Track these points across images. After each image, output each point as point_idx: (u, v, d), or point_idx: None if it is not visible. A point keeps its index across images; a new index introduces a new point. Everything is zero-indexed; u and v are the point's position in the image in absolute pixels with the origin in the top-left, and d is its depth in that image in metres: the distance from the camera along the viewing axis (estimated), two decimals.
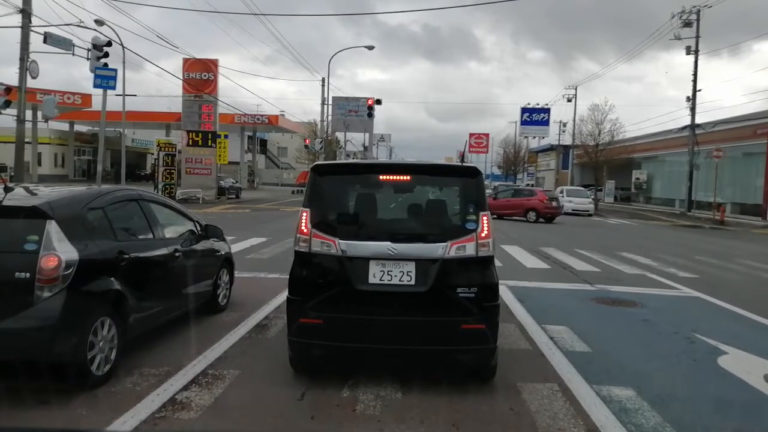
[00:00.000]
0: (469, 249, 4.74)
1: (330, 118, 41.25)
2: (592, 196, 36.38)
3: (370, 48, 37.12)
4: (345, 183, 5.30)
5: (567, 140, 63.45)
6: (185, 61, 33.55)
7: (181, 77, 33.15)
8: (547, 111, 74.90)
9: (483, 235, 4.78)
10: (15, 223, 4.50)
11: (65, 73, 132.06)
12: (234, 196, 37.23)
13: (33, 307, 4.23)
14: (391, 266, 4.69)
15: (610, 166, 45.30)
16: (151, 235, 5.76)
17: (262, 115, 49.72)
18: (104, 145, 28.01)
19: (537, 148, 78.16)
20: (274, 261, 11.18)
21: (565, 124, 66.98)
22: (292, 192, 47.59)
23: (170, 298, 5.92)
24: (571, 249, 14.95)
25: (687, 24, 37.31)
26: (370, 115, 33.63)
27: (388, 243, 4.70)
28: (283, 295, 7.91)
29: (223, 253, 7.38)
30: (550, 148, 72.71)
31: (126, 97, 28.56)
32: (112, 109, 33.92)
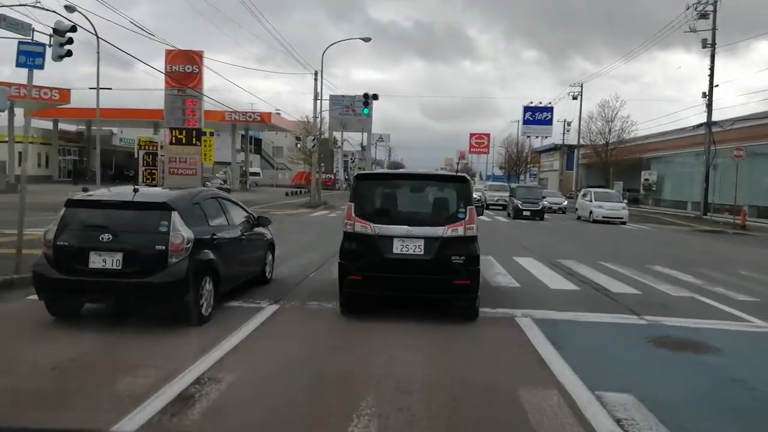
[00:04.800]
0: (460, 231, 6.77)
1: (325, 114, 39.05)
2: (626, 200, 33.14)
3: (366, 40, 34.91)
4: (377, 186, 7.61)
5: (571, 140, 61.48)
6: (168, 52, 31.43)
7: (162, 70, 30.98)
8: (550, 110, 72.78)
9: (469, 221, 6.81)
10: (152, 213, 6.40)
11: (60, 74, 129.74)
12: None
13: (168, 269, 6.13)
14: (407, 242, 6.74)
15: (618, 167, 43.16)
16: (226, 223, 7.73)
17: (253, 113, 47.50)
18: (91, 144, 26.08)
19: (540, 148, 75.90)
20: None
21: (569, 123, 64.62)
22: (286, 194, 45.11)
23: (241, 267, 7.91)
24: (594, 261, 12.81)
25: (703, 16, 35.20)
26: (367, 104, 31.37)
27: (406, 227, 6.78)
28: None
29: (268, 237, 9.37)
30: (554, 148, 70.55)
31: (114, 95, 26.33)
32: (88, 105, 31.88)
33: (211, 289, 6.67)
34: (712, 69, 35.43)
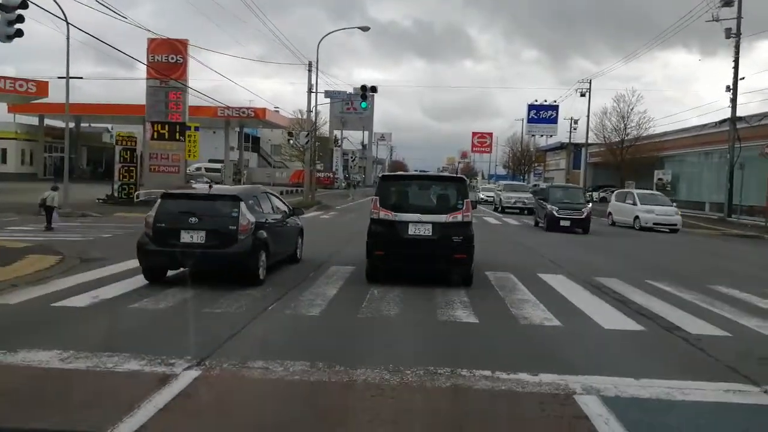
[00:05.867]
0: (459, 218, 8.89)
1: (320, 108, 36.42)
2: (675, 204, 28.88)
3: (365, 29, 32.42)
4: (396, 184, 9.94)
5: (579, 138, 59.00)
6: (150, 41, 28.82)
7: (144, 61, 28.39)
8: (555, 108, 70.79)
9: (465, 210, 8.95)
10: (226, 203, 8.68)
11: (59, 73, 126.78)
12: None
13: (237, 243, 8.31)
14: (419, 226, 8.79)
15: (630, 166, 40.40)
16: (272, 212, 10.03)
17: (247, 108, 44.87)
18: (80, 141, 23.97)
19: (546, 147, 73.43)
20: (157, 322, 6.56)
21: (576, 121, 62.17)
22: (281, 192, 42.31)
23: (283, 246, 10.11)
24: (639, 280, 10.27)
25: (727, 3, 32.62)
26: (365, 97, 28.75)
27: (418, 214, 8.88)
28: None
29: (300, 225, 11.73)
30: (561, 147, 68.01)
31: (111, 92, 23.86)
32: (80, 100, 29.42)
33: (264, 260, 8.79)
34: (736, 61, 32.86)
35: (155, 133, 29.08)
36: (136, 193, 26.66)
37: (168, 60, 28.90)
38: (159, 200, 8.74)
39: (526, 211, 30.71)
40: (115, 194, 26.83)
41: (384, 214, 8.91)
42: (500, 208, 33.17)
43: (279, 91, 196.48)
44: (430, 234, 8.72)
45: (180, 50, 29.01)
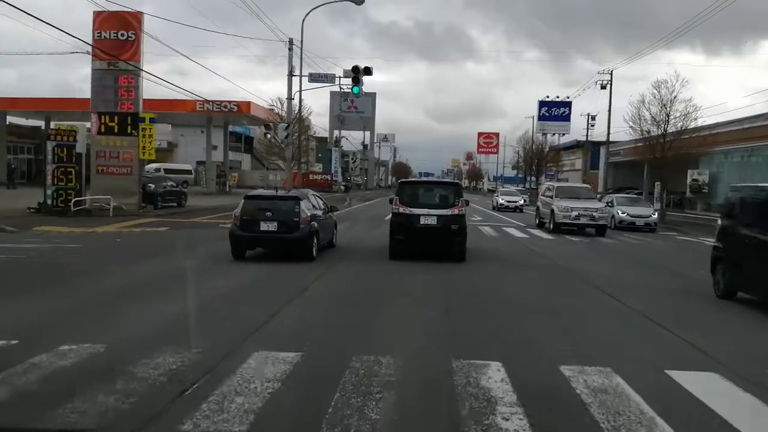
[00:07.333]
0: (456, 211, 12.63)
1: (305, 97, 31.22)
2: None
3: (359, 3, 27.33)
4: (411, 187, 14.16)
5: (597, 136, 53.94)
6: (96, 15, 23.73)
7: (88, 40, 23.24)
8: (568, 105, 66.05)
9: (460, 206, 12.75)
10: (290, 202, 12.26)
11: (59, 78, 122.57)
12: (174, 204, 27.25)
13: (299, 231, 11.91)
14: (428, 218, 12.46)
15: (667, 165, 34.92)
16: (317, 208, 13.34)
17: (229, 102, 39.68)
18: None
19: (559, 146, 68.30)
20: None
21: (594, 117, 56.92)
22: None
23: (325, 234, 13.59)
24: None
25: None
26: (357, 80, 23.68)
27: (427, 209, 12.63)
28: None
29: (334, 218, 15.21)
30: (576, 145, 62.83)
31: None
32: (54, 96, 24.55)
33: (316, 243, 12.37)
34: None
35: (102, 126, 23.95)
36: (74, 200, 21.54)
37: (117, 37, 23.79)
38: (243, 200, 12.46)
39: (593, 230, 21.24)
40: (49, 201, 21.68)
41: (402, 209, 12.68)
42: (551, 225, 21.81)
43: (279, 93, 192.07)
44: (436, 223, 12.48)
45: (132, 25, 23.87)
